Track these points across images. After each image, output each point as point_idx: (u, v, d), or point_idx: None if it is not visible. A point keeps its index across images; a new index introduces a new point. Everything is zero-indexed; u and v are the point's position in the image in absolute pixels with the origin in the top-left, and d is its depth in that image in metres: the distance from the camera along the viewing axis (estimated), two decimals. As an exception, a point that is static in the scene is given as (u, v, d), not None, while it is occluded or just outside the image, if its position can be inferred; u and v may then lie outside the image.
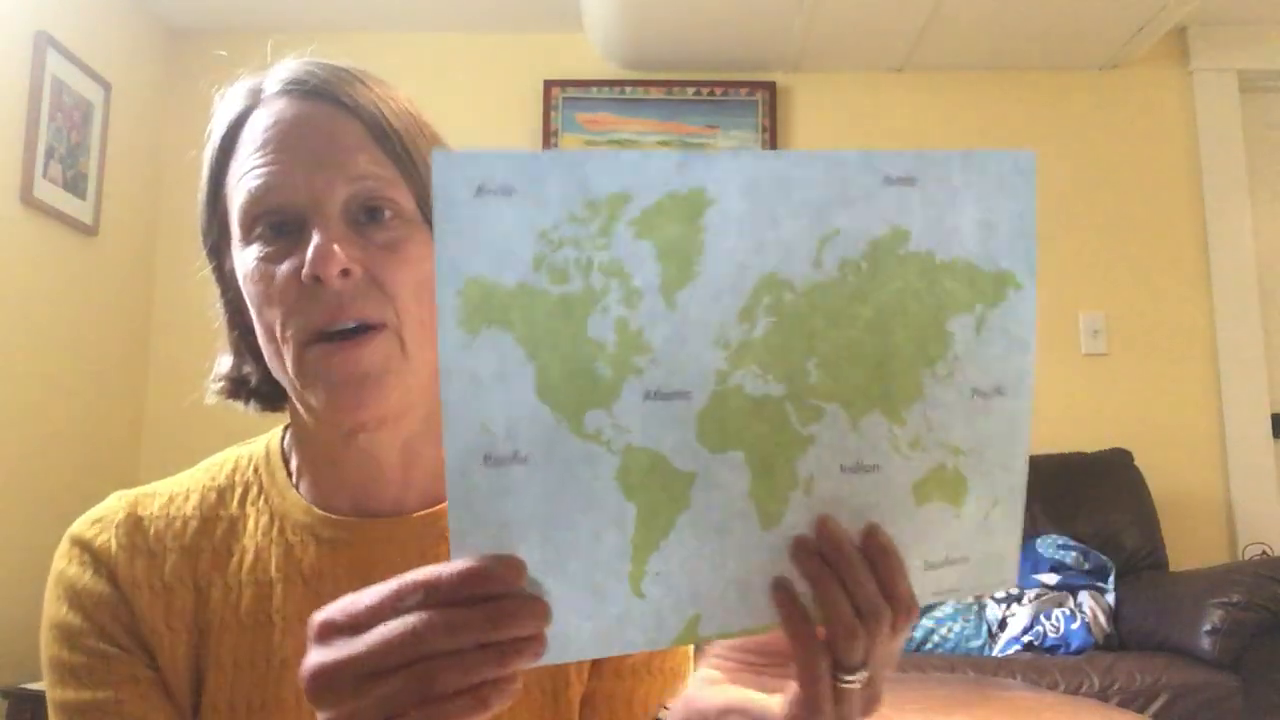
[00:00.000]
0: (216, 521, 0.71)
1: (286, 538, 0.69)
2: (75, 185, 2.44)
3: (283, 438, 0.74)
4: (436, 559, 0.60)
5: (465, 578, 0.45)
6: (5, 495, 2.15)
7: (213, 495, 0.72)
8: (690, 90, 2.75)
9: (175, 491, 0.72)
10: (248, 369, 0.72)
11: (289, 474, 0.72)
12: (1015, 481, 0.54)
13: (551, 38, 2.81)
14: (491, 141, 2.74)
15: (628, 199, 0.47)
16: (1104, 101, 2.81)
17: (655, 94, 2.75)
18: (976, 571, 0.55)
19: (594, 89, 2.76)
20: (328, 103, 0.67)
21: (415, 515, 0.69)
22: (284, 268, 0.63)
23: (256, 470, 0.73)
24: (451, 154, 0.45)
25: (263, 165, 0.65)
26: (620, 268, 0.47)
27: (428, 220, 0.66)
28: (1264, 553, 2.54)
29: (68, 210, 2.38)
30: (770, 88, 2.76)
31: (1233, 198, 2.78)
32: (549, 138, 2.74)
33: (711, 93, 2.76)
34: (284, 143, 0.65)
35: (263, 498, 0.71)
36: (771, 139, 2.74)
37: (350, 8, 2.72)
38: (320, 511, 0.69)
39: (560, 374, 0.47)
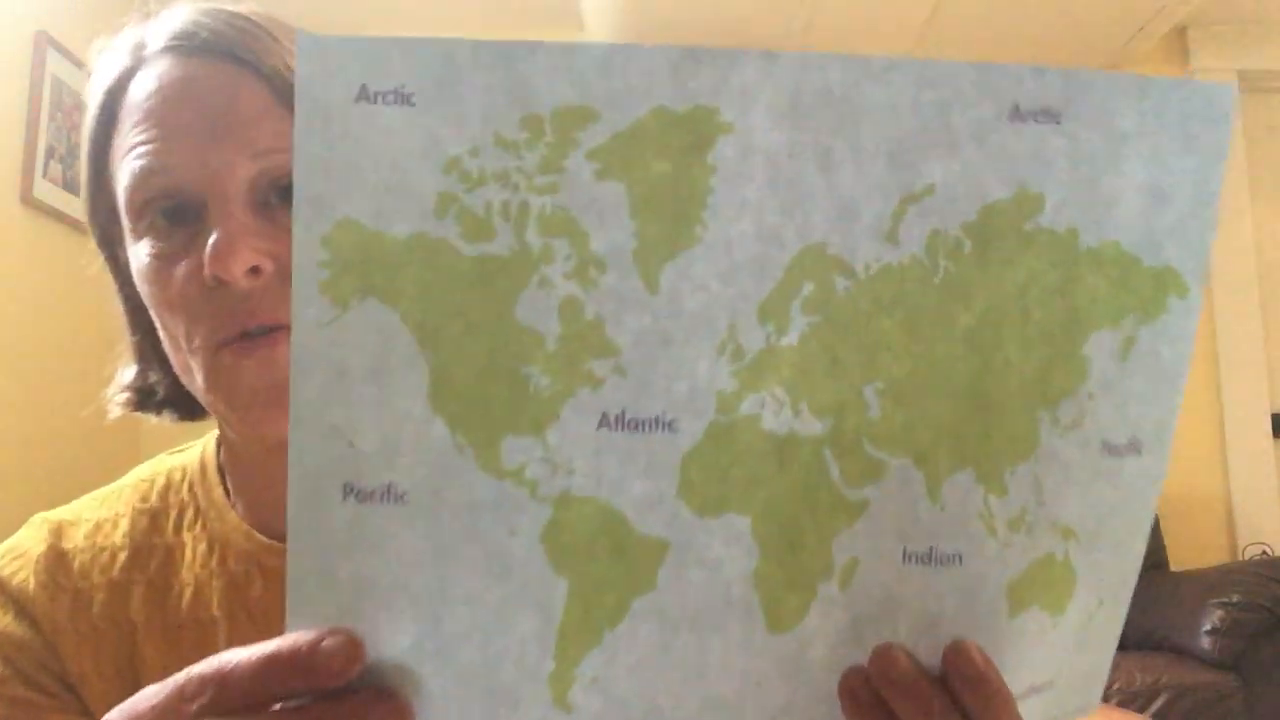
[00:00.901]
0: (150, 552, 0.60)
1: (229, 568, 0.59)
2: (75, 185, 2.43)
3: (217, 449, 0.64)
4: None
5: (266, 667, 0.31)
6: (2, 495, 2.15)
7: (144, 520, 0.62)
8: (690, 90, 2.75)
9: (103, 518, 0.62)
10: (154, 376, 0.62)
11: (226, 492, 0.62)
12: (1128, 572, 0.36)
13: (551, 37, 2.81)
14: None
15: (590, 115, 0.30)
16: (1104, 101, 2.81)
17: (655, 94, 2.75)
18: (1060, 698, 0.37)
19: (594, 89, 2.76)
20: (223, 61, 0.54)
21: None
22: (182, 267, 0.53)
23: (192, 488, 0.63)
24: (323, 39, 0.31)
25: (146, 142, 0.53)
26: (572, 221, 0.31)
27: None
28: (1264, 553, 2.54)
29: (68, 210, 2.38)
30: (770, 88, 2.76)
31: (1233, 198, 2.78)
32: (549, 138, 2.74)
33: (711, 93, 2.75)
34: (170, 112, 0.53)
35: (200, 522, 0.61)
36: (771, 139, 2.74)
37: (350, 8, 2.72)
38: (263, 537, 0.59)
39: (468, 376, 0.31)
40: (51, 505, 0.64)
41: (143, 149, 0.53)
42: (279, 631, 0.50)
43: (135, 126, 0.54)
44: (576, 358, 0.31)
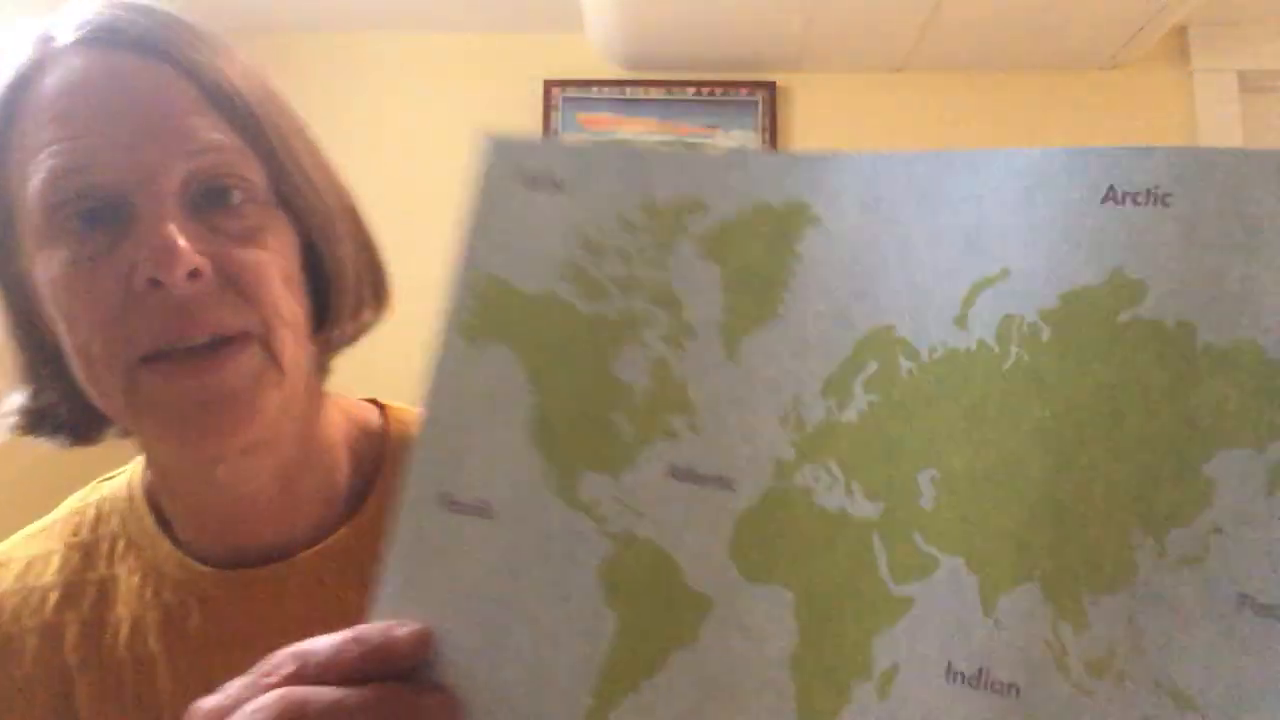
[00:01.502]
0: (83, 589, 0.57)
1: (164, 600, 0.56)
2: None
3: (145, 474, 0.61)
4: (330, 605, 0.55)
5: (344, 645, 0.35)
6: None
7: (76, 556, 0.59)
8: (690, 90, 2.75)
9: (35, 555, 0.59)
10: (50, 398, 0.56)
11: (157, 519, 0.59)
12: None
13: (551, 38, 2.81)
14: (491, 141, 2.74)
15: (700, 207, 0.35)
16: (1104, 101, 2.81)
17: (655, 94, 2.75)
18: None
19: (594, 89, 2.75)
20: (148, 56, 0.51)
21: (303, 556, 0.56)
22: (104, 272, 0.49)
23: (122, 518, 0.60)
24: (506, 138, 0.38)
25: (66, 138, 0.49)
26: (672, 294, 0.35)
27: (283, 202, 0.55)
28: (1264, 553, 2.54)
29: None
30: (770, 88, 2.76)
31: (1233, 198, 2.78)
32: (549, 137, 2.74)
33: (711, 93, 2.75)
34: (91, 108, 0.49)
35: (133, 553, 0.58)
36: (772, 139, 2.74)
37: (350, 8, 2.72)
38: (197, 565, 0.56)
39: (565, 414, 0.35)
40: (47, 512, 0.63)
41: (57, 147, 0.49)
42: (219, 664, 0.51)
43: (49, 124, 0.49)
44: (658, 411, 0.35)
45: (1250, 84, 2.87)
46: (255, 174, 0.53)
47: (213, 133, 0.51)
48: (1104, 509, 0.28)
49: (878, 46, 2.70)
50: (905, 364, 0.32)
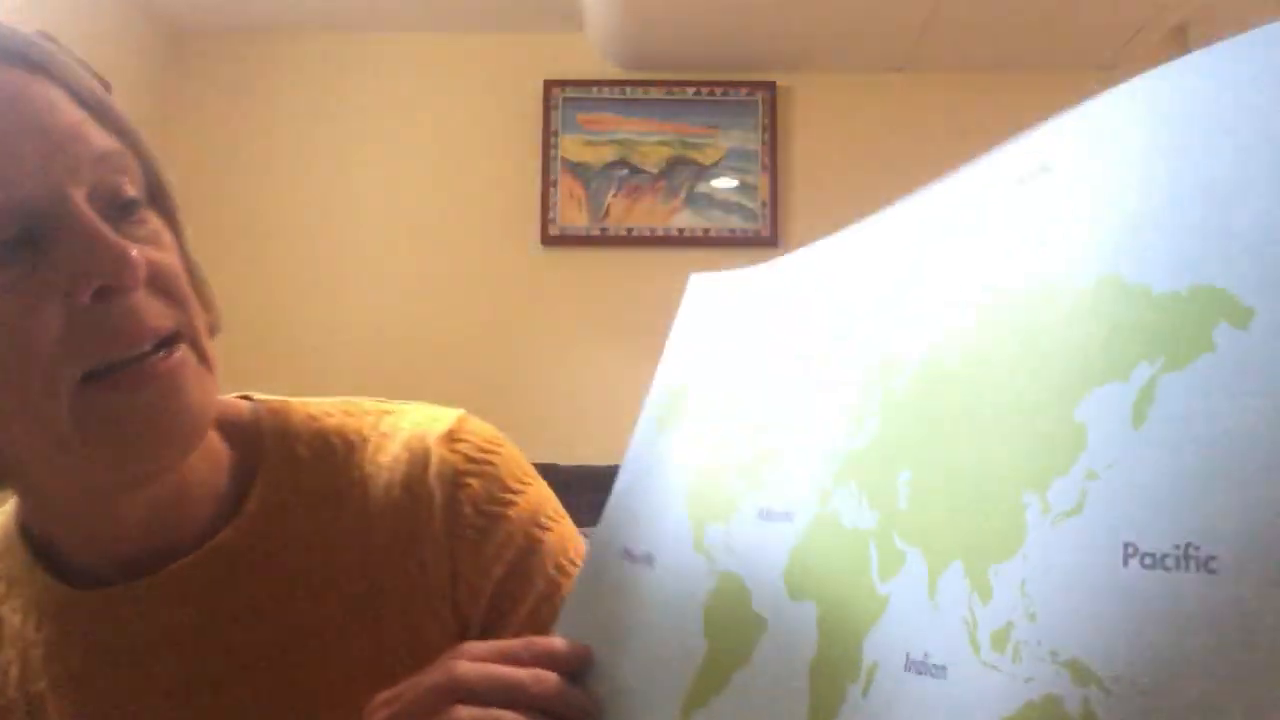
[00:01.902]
0: None
1: (45, 634, 0.56)
2: None
3: (17, 515, 0.60)
4: (221, 605, 0.56)
5: (517, 645, 0.45)
6: None
7: None
8: (690, 90, 2.75)
9: None
10: None
11: (34, 551, 0.58)
12: None
13: (551, 38, 2.81)
14: (492, 142, 2.74)
15: None
16: (1104, 101, 2.81)
17: (655, 94, 2.75)
18: None
19: (594, 89, 2.76)
20: (28, 70, 0.49)
21: (186, 562, 0.56)
22: (36, 292, 0.46)
23: (1, 560, 0.59)
24: (707, 277, 0.49)
25: None
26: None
27: (156, 203, 0.54)
28: (1264, 553, 2.54)
29: None
30: (770, 88, 2.76)
31: (1233, 198, 2.78)
32: (549, 138, 2.74)
33: (711, 93, 2.75)
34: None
35: (14, 592, 0.58)
36: (772, 139, 2.74)
37: (350, 8, 2.72)
38: (77, 591, 0.56)
39: (703, 479, 0.43)
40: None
41: None
42: (106, 685, 0.56)
43: None
44: (757, 466, 0.40)
45: (1250, 84, 2.87)
46: (139, 178, 0.52)
47: (104, 140, 0.50)
48: (1005, 474, 0.28)
49: (878, 46, 2.71)
50: (898, 383, 0.34)
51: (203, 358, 0.52)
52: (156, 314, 0.49)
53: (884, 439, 0.33)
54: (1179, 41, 2.86)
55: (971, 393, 0.30)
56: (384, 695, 0.46)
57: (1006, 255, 0.31)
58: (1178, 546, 0.23)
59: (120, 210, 0.50)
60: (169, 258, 0.51)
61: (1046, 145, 0.31)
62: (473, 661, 0.44)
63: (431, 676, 0.44)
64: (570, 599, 0.46)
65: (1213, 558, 0.23)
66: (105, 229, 0.47)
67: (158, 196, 0.54)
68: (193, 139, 2.67)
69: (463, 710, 0.42)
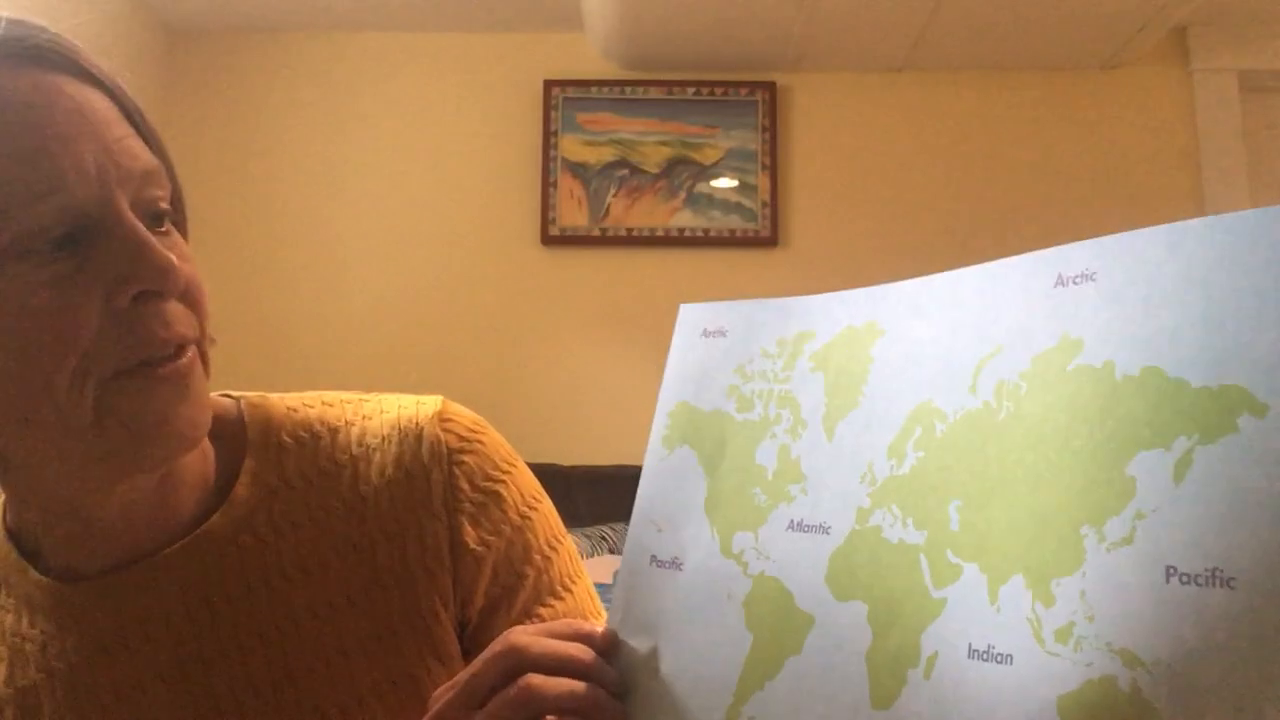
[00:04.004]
0: None
1: (40, 628, 0.57)
2: None
3: (3, 516, 0.61)
4: (211, 592, 0.58)
5: (560, 626, 0.50)
6: None
7: None
8: (690, 90, 2.75)
9: None
10: None
11: (21, 551, 0.59)
12: None
13: (551, 38, 2.81)
14: (492, 142, 2.74)
15: (811, 336, 0.50)
16: (1104, 101, 2.81)
17: (655, 94, 2.75)
18: None
19: (594, 89, 2.76)
20: (81, 78, 0.51)
21: (173, 550, 0.57)
22: (80, 290, 0.48)
23: None
24: (697, 307, 0.54)
25: (28, 160, 0.47)
26: (793, 398, 0.49)
27: (177, 218, 0.56)
28: (1264, 553, 2.54)
29: None
30: (770, 88, 2.76)
31: (1233, 198, 2.78)
32: (549, 138, 2.74)
33: (711, 93, 2.75)
34: (49, 125, 0.48)
35: (4, 589, 0.59)
36: (772, 139, 2.74)
37: (350, 8, 2.72)
38: (67, 585, 0.57)
39: (726, 493, 0.50)
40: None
41: (22, 169, 0.47)
42: (102, 674, 0.56)
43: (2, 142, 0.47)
44: (783, 484, 0.48)
45: (1250, 84, 2.87)
46: (168, 193, 0.55)
47: (147, 155, 0.53)
48: (1064, 511, 0.37)
49: (878, 46, 2.70)
50: (939, 427, 0.43)
51: (205, 364, 0.55)
52: (183, 321, 0.53)
53: (925, 471, 0.42)
54: (1179, 41, 2.86)
55: (1024, 445, 0.39)
56: (445, 685, 0.50)
57: (1051, 338, 0.40)
58: (1207, 570, 0.33)
59: (155, 221, 0.53)
60: (193, 269, 0.55)
61: (1089, 257, 0.40)
62: (531, 637, 0.49)
63: (494, 650, 0.49)
64: (613, 605, 0.52)
65: (1232, 578, 0.33)
66: (152, 239, 0.50)
67: (178, 210, 0.57)
68: (191, 139, 2.67)
69: (535, 677, 0.47)
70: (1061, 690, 0.35)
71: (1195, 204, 2.79)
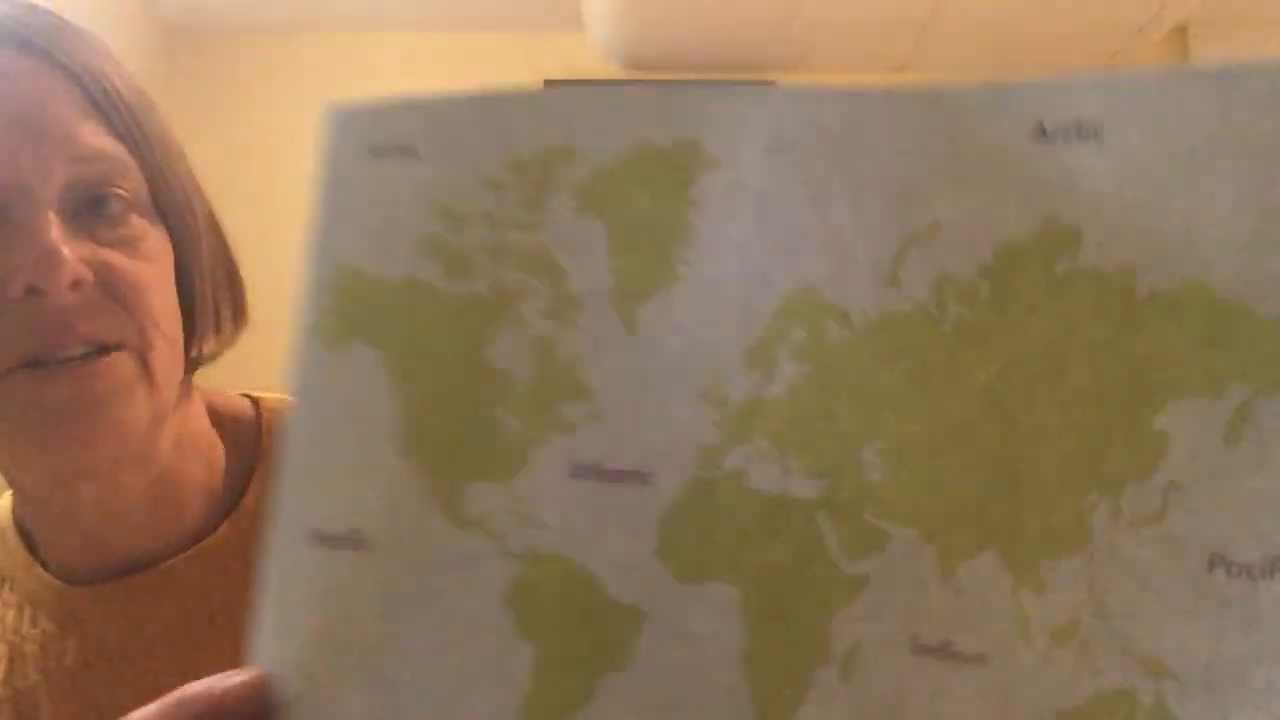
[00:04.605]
0: None
1: (41, 628, 0.55)
2: None
3: (13, 503, 0.59)
4: (215, 604, 0.55)
5: (173, 709, 0.31)
6: None
7: None
8: (690, 90, 2.75)
9: None
10: None
11: (30, 546, 0.57)
12: None
13: (551, 37, 2.81)
14: (491, 141, 2.74)
15: (571, 155, 0.30)
16: (1104, 101, 2.81)
17: (655, 94, 2.75)
18: None
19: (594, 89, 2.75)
20: (33, 57, 0.49)
21: (180, 559, 0.55)
22: None
23: None
24: (345, 107, 0.33)
25: None
26: (550, 260, 0.30)
27: (160, 213, 0.53)
28: (1264, 553, 2.54)
29: None
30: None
31: (1233, 198, 2.78)
32: (549, 137, 2.74)
33: (711, 92, 2.75)
34: None
35: (6, 586, 0.57)
36: (771, 139, 2.73)
37: (350, 8, 2.72)
38: (70, 586, 0.55)
39: (439, 417, 0.30)
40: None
41: None
42: (101, 680, 0.52)
43: None
44: (548, 401, 0.29)
45: (1250, 84, 2.87)
46: (136, 183, 0.51)
47: (96, 140, 0.49)
48: (1056, 471, 0.27)
49: (878, 46, 2.70)
50: (835, 330, 0.28)
51: (148, 372, 0.49)
52: (99, 321, 0.47)
53: (816, 393, 0.28)
54: (1179, 41, 2.86)
55: (990, 372, 0.27)
56: None
57: (1027, 221, 0.27)
58: (1265, 558, 0.25)
59: (93, 210, 0.48)
60: (141, 267, 0.49)
61: (1092, 102, 0.27)
62: None
63: None
64: (258, 617, 0.31)
65: None
66: (45, 228, 0.46)
67: (164, 206, 0.53)
68: (191, 139, 2.66)
69: None
70: (1062, 704, 0.26)
71: (1195, 204, 2.78)
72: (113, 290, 0.48)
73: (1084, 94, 0.27)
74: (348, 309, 0.31)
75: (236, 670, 0.31)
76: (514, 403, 0.29)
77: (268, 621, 0.31)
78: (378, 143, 0.32)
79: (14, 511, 0.59)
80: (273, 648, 0.30)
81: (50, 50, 0.49)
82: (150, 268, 0.50)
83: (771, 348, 0.29)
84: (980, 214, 0.28)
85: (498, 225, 0.30)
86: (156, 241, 0.51)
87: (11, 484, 0.56)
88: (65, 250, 0.46)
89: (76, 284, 0.46)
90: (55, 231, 0.46)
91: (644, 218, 0.29)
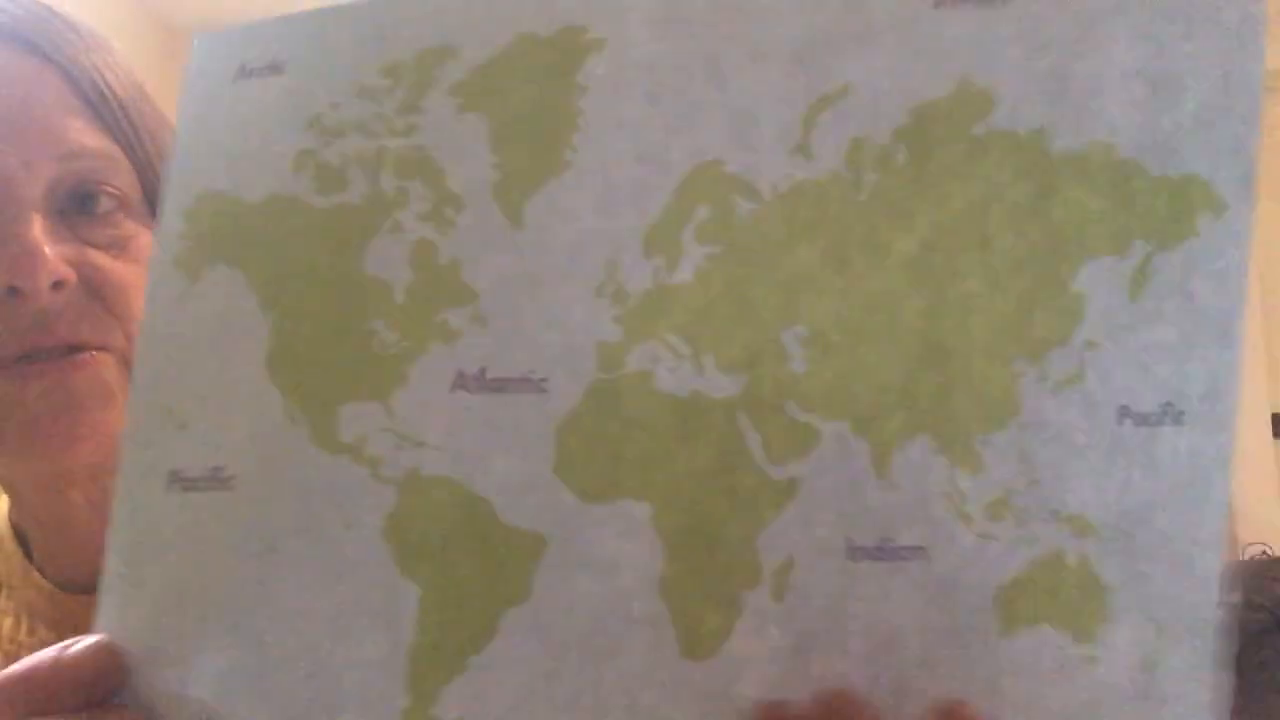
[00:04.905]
0: None
1: (40, 637, 0.54)
2: None
3: (10, 510, 0.58)
4: None
5: (19, 682, 0.27)
6: None
7: None
8: (690, 90, 2.75)
9: None
10: None
11: (27, 553, 0.56)
12: (1196, 592, 0.26)
13: (551, 37, 2.81)
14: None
15: (450, 53, 0.28)
16: (1104, 101, 2.81)
17: (655, 94, 2.75)
18: None
19: (594, 89, 2.75)
20: (22, 50, 0.48)
21: None
22: None
23: None
24: (215, 34, 0.32)
25: None
26: (428, 161, 0.28)
27: (153, 212, 0.49)
28: (1264, 552, 2.54)
29: (67, 210, 2.37)
30: (770, 87, 2.76)
31: (1233, 197, 2.79)
32: (549, 137, 2.74)
33: (711, 92, 2.75)
34: None
35: (4, 592, 0.56)
36: (771, 139, 2.73)
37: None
38: (66, 593, 0.53)
39: (309, 337, 0.27)
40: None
41: None
42: None
43: None
44: (428, 308, 0.27)
45: (1250, 84, 2.87)
46: (127, 182, 0.49)
47: (85, 136, 0.48)
48: (984, 341, 0.26)
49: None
50: (744, 205, 0.26)
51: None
52: (82, 322, 0.46)
53: (725, 278, 0.26)
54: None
55: (911, 242, 0.26)
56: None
57: (941, 83, 0.26)
58: (1160, 405, 0.26)
59: (81, 208, 0.47)
60: (128, 268, 0.48)
61: None
62: None
63: None
64: (108, 573, 0.28)
65: (1183, 412, 0.26)
66: (27, 227, 0.45)
67: (156, 205, 0.53)
68: (192, 139, 2.66)
69: None
70: (1000, 579, 0.26)
71: (1195, 204, 2.79)
72: (97, 291, 0.47)
73: None
74: (208, 234, 0.28)
75: (80, 637, 0.28)
76: (391, 314, 0.27)
77: (116, 578, 0.28)
78: (246, 63, 0.30)
79: (11, 518, 0.58)
80: (122, 607, 0.27)
81: (40, 44, 0.48)
82: (138, 269, 0.48)
83: (674, 230, 0.26)
84: (890, 74, 0.26)
85: (372, 133, 0.28)
86: (146, 244, 0.49)
87: (6, 489, 0.55)
88: (47, 250, 0.45)
89: (58, 285, 0.45)
90: (37, 230, 0.45)
91: (529, 109, 0.27)
